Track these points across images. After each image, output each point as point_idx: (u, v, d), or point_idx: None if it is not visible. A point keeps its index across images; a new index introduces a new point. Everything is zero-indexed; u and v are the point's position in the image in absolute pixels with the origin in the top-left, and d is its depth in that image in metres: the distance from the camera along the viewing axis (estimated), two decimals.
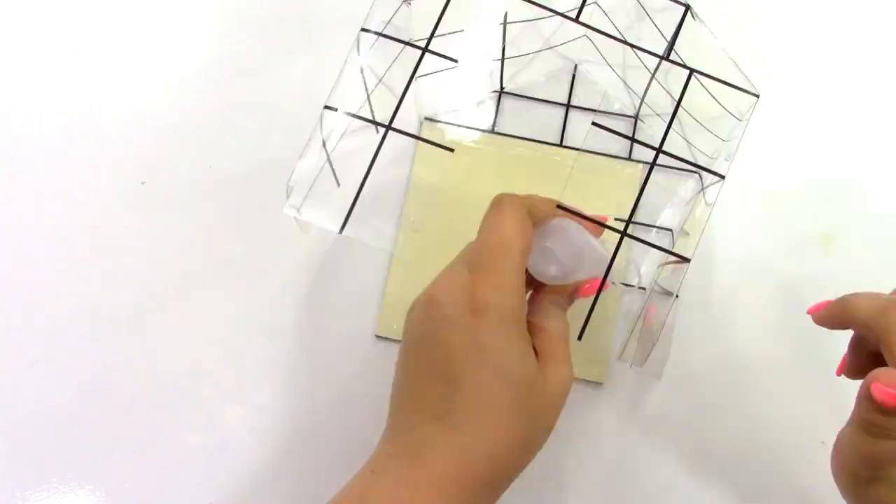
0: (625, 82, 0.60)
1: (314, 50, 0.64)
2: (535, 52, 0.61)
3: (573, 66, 0.62)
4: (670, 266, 0.45)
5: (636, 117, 0.60)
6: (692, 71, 0.43)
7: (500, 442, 0.40)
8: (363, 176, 0.42)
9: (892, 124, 0.62)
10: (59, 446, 0.55)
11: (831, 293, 0.50)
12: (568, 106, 0.61)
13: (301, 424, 0.55)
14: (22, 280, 0.59)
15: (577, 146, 0.60)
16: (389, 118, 0.42)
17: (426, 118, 0.61)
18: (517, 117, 0.61)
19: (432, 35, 0.43)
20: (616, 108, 0.61)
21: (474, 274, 0.40)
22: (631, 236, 0.41)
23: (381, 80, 0.53)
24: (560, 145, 0.60)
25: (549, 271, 0.43)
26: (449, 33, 0.45)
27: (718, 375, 0.56)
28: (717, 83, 0.45)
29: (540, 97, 0.62)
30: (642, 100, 0.58)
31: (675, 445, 0.55)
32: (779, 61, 0.64)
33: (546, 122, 0.61)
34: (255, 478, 0.54)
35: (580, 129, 0.61)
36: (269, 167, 0.60)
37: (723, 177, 0.44)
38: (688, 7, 0.45)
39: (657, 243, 0.42)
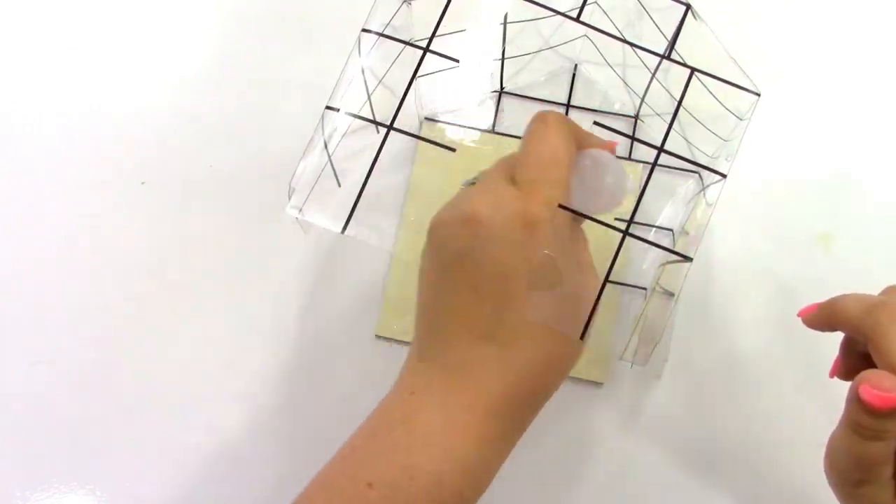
0: (625, 82, 0.60)
1: (314, 50, 0.64)
2: (535, 52, 0.61)
3: (573, 65, 0.62)
4: (671, 266, 0.45)
5: (636, 117, 0.60)
6: (693, 70, 0.43)
7: (552, 354, 0.39)
8: (365, 176, 0.42)
9: (892, 124, 0.62)
10: (59, 446, 0.55)
11: (831, 293, 0.50)
12: (568, 106, 0.61)
13: (301, 424, 0.55)
14: (22, 280, 0.58)
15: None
16: (391, 118, 0.42)
17: (426, 118, 0.61)
18: (517, 117, 0.61)
19: (433, 35, 0.43)
20: (616, 107, 0.61)
21: (525, 188, 0.39)
22: (634, 236, 0.41)
23: (381, 81, 0.53)
24: None
25: (595, 202, 0.42)
26: (450, 33, 0.45)
27: (718, 375, 0.56)
28: (717, 82, 0.45)
29: (540, 97, 0.62)
30: (642, 99, 0.58)
31: (674, 445, 0.55)
32: (779, 61, 0.64)
33: None
34: (256, 478, 0.54)
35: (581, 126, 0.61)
36: (270, 167, 0.60)
37: (724, 175, 0.44)
38: (688, 6, 0.45)
39: (657, 243, 0.42)
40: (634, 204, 0.41)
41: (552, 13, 0.45)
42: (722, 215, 0.58)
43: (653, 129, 0.60)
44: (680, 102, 0.43)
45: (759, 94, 0.44)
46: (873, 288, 0.56)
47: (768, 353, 0.57)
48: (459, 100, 0.61)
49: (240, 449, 0.55)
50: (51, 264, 0.59)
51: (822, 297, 0.50)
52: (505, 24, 0.54)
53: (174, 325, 0.57)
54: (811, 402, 0.55)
